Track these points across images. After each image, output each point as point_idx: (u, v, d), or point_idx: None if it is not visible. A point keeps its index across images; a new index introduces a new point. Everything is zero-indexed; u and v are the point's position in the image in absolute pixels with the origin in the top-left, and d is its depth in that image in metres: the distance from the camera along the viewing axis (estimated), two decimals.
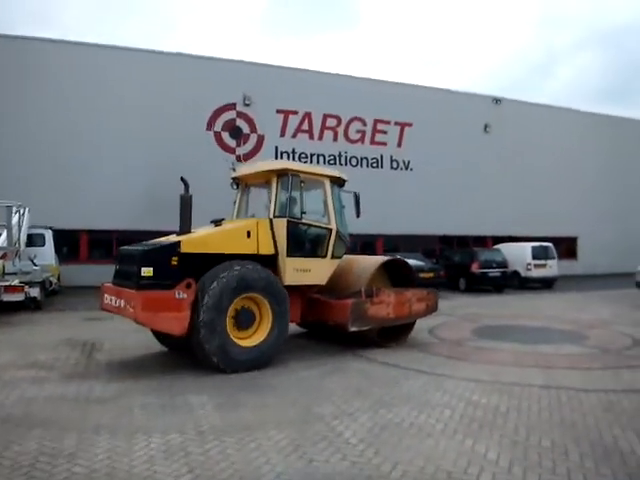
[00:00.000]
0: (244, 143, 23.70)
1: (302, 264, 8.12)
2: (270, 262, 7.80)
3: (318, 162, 25.01)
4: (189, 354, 7.47)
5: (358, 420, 5.11)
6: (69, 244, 21.44)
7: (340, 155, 25.65)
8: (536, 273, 20.97)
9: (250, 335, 7.37)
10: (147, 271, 6.77)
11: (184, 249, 7.07)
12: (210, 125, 23.15)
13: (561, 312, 13.56)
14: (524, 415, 5.27)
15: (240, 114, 23.69)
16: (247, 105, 23.64)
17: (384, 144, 26.68)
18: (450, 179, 27.39)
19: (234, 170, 9.45)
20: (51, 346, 8.75)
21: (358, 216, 9.05)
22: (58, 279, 17.58)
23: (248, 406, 5.56)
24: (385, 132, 26.74)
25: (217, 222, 8.23)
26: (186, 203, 7.98)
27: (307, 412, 5.38)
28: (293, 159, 24.44)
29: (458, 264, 20.89)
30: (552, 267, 21.32)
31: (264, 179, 8.79)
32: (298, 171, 8.36)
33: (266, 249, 7.84)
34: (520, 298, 17.51)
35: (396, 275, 9.56)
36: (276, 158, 23.98)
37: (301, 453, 4.31)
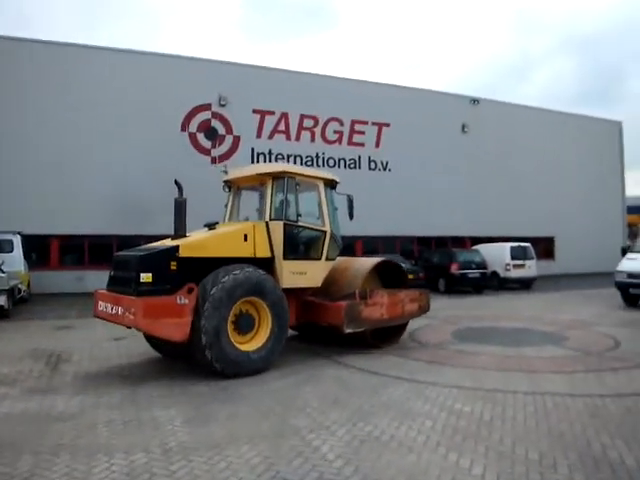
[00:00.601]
0: (219, 144, 23.27)
1: (298, 267, 8.13)
2: (266, 265, 7.74)
3: (295, 163, 24.70)
4: (183, 361, 7.52)
5: (336, 433, 4.83)
6: (39, 250, 20.79)
7: (317, 156, 25.37)
8: (515, 273, 20.91)
9: (250, 339, 7.31)
10: (146, 276, 6.64)
11: (183, 253, 6.98)
12: (185, 126, 22.68)
13: (541, 313, 13.46)
14: (509, 424, 5.04)
15: (215, 115, 23.26)
16: (223, 105, 23.22)
17: (362, 145, 26.48)
18: (428, 180, 27.32)
19: (226, 173, 9.33)
20: (15, 358, 8.33)
21: (351, 218, 9.07)
22: (27, 286, 17.02)
23: (219, 420, 5.24)
24: (363, 132, 26.54)
25: (211, 225, 8.17)
26: (180, 207, 7.99)
27: (282, 425, 5.08)
28: (269, 160, 24.11)
29: (437, 265, 20.75)
30: (531, 267, 21.27)
31: (258, 182, 8.75)
32: (294, 173, 8.34)
33: (263, 252, 7.83)
34: (500, 299, 17.42)
35: (387, 276, 9.58)
36: (252, 160, 23.66)
37: (275, 472, 4.02)
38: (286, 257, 7.93)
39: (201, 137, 23.02)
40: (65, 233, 20.86)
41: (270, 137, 24.36)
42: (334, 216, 8.89)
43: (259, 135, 24.14)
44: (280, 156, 24.44)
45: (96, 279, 20.67)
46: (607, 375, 6.92)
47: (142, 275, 6.62)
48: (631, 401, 5.74)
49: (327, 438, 4.70)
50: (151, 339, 8.06)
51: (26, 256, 17.19)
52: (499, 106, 30.86)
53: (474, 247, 23.03)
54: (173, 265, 6.85)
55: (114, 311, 6.87)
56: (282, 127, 24.66)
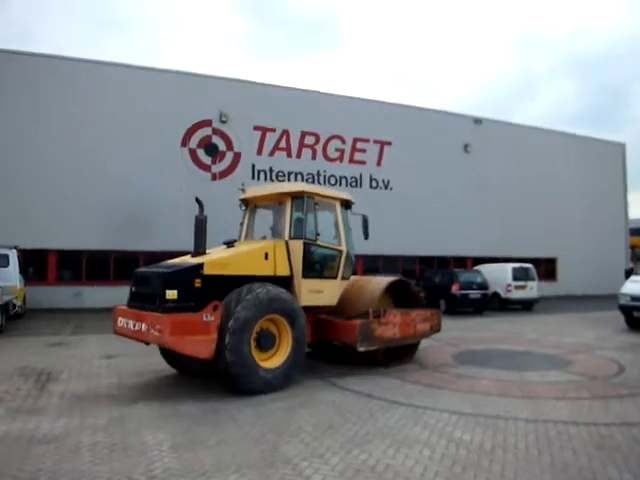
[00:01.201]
0: (220, 161, 23.23)
1: (315, 285, 8.26)
2: (285, 283, 7.85)
3: (296, 181, 24.62)
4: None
5: (329, 462, 4.60)
6: (36, 265, 20.66)
7: (319, 174, 25.31)
8: (516, 295, 20.66)
9: (270, 357, 7.34)
10: (172, 294, 6.68)
11: (207, 271, 7.03)
12: (185, 142, 22.66)
13: (543, 335, 13.22)
14: (511, 454, 4.81)
15: (216, 131, 23.26)
16: (223, 122, 23.22)
17: (363, 163, 26.44)
18: (430, 199, 27.22)
19: (243, 191, 9.43)
20: (4, 375, 8.12)
21: (366, 238, 9.23)
22: (23, 302, 16.83)
23: (207, 445, 5.02)
24: (364, 151, 26.51)
25: (229, 243, 8.33)
26: (201, 224, 7.99)
27: (273, 452, 4.85)
28: (270, 178, 24.05)
29: (438, 285, 20.53)
30: (532, 289, 21.04)
31: (277, 201, 8.82)
32: (313, 193, 8.50)
33: (282, 270, 7.93)
34: (501, 320, 17.17)
35: (399, 296, 9.74)
36: (253, 177, 23.59)
37: None
38: (305, 275, 8.05)
39: (201, 153, 22.99)
40: (63, 248, 20.75)
41: (271, 154, 24.32)
42: (348, 235, 9.00)
43: (260, 152, 24.10)
44: (281, 173, 24.38)
45: (93, 295, 20.62)
46: (613, 402, 6.68)
47: (168, 292, 6.66)
48: (638, 430, 5.51)
49: (320, 467, 4.48)
50: (168, 356, 8.08)
51: (22, 271, 17.03)
52: (502, 126, 30.87)
53: (476, 267, 22.85)
54: (198, 282, 6.91)
55: (137, 328, 6.87)
56: (283, 144, 24.63)
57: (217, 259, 7.40)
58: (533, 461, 4.65)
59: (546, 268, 30.40)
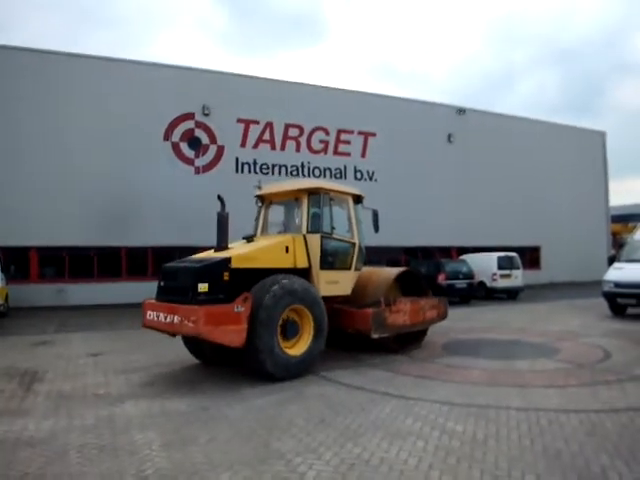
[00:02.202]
0: (203, 154, 23.01)
1: (332, 276, 8.72)
2: (304, 275, 8.26)
3: (280, 173, 24.51)
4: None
5: (323, 457, 4.56)
6: (18, 262, 20.33)
7: (303, 165, 25.18)
8: (502, 283, 20.80)
9: (294, 344, 7.76)
10: (203, 286, 7.08)
11: (234, 264, 7.43)
12: (167, 135, 22.38)
13: (529, 324, 13.32)
14: (504, 444, 4.81)
15: (199, 124, 23.00)
16: (206, 115, 22.97)
17: (348, 154, 26.36)
18: (415, 190, 27.25)
19: (259, 188, 9.74)
20: None
21: (377, 231, 9.71)
22: (5, 300, 16.57)
23: (199, 443, 4.95)
24: (348, 142, 26.43)
25: (248, 238, 8.80)
26: (223, 220, 8.34)
27: (265, 448, 4.80)
28: (254, 170, 23.89)
29: (424, 275, 20.53)
30: (517, 277, 21.19)
31: (293, 197, 9.26)
32: (328, 189, 8.94)
33: (302, 263, 8.37)
34: (487, 309, 17.27)
35: (407, 284, 10.21)
36: (236, 170, 23.43)
37: None
38: (322, 267, 8.50)
39: (184, 147, 22.74)
40: (44, 245, 20.41)
41: (255, 146, 24.13)
42: (360, 229, 9.48)
43: (243, 144, 23.90)
44: (265, 166, 24.23)
45: (77, 292, 20.36)
46: (601, 389, 6.73)
47: (199, 285, 7.06)
48: (627, 417, 5.55)
49: (314, 462, 4.43)
50: (191, 346, 8.48)
51: (4, 269, 16.75)
52: (485, 116, 30.94)
53: (461, 257, 22.94)
54: (226, 275, 7.30)
55: (169, 320, 7.18)
56: (267, 136, 24.44)
57: (243, 253, 7.78)
58: (526, 450, 4.65)
59: (530, 256, 30.64)
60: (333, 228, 8.76)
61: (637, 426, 5.26)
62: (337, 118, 25.91)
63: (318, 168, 25.58)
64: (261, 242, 8.57)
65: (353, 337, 9.32)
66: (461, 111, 29.82)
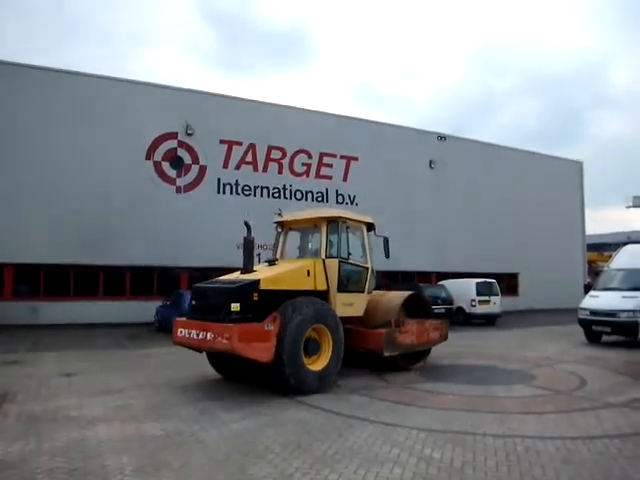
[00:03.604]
0: (185, 174, 22.97)
1: (347, 299, 9.33)
2: (323, 297, 8.83)
3: (262, 195, 24.53)
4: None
5: None
6: None
7: (285, 188, 25.27)
8: (480, 309, 20.92)
9: (314, 361, 8.30)
10: (235, 306, 7.63)
11: (263, 286, 7.99)
12: (150, 154, 22.31)
13: (507, 350, 13.39)
14: (481, 471, 4.79)
15: (182, 144, 23.01)
16: (189, 134, 23.00)
17: (329, 178, 26.52)
18: (395, 214, 27.39)
19: (280, 215, 10.36)
20: None
21: (387, 257, 10.45)
22: None
23: (172, 468, 4.84)
24: (331, 166, 26.61)
25: (271, 262, 9.39)
26: (249, 245, 8.94)
27: (240, 474, 4.72)
28: (236, 192, 23.90)
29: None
30: (496, 303, 21.35)
31: (312, 224, 9.92)
32: (346, 218, 9.70)
33: (321, 285, 8.97)
34: (465, 335, 17.29)
35: (412, 307, 10.74)
36: (218, 191, 23.41)
37: None
38: (339, 290, 9.12)
39: (166, 166, 22.69)
40: (19, 262, 20.06)
41: (237, 168, 24.19)
42: (372, 254, 10.17)
43: (226, 165, 23.93)
44: (247, 187, 24.24)
45: (52, 310, 19.98)
46: (577, 416, 6.77)
47: (232, 305, 7.61)
48: (602, 444, 5.58)
49: None
50: (216, 362, 9.06)
51: None
52: (465, 143, 31.47)
53: (440, 282, 23.05)
54: (255, 296, 7.85)
55: (201, 336, 7.78)
56: (249, 158, 24.52)
57: (271, 276, 8.33)
58: (503, 478, 4.64)
59: (508, 283, 30.93)
60: (349, 254, 9.46)
61: (612, 453, 5.29)
62: (320, 141, 26.12)
63: (300, 191, 25.68)
64: (284, 266, 9.15)
65: (361, 355, 9.82)
66: (442, 138, 30.28)
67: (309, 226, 10.12)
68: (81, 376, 9.51)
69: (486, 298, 21.07)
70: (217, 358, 8.94)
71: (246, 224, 9.09)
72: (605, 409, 7.15)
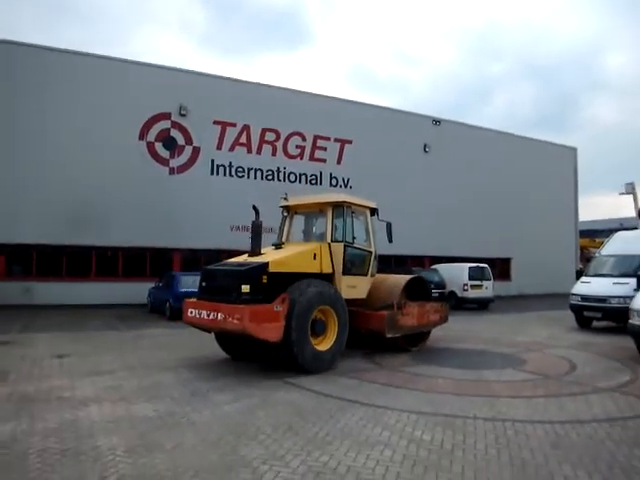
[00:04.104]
0: (178, 155, 22.80)
1: (352, 281, 9.64)
2: (328, 280, 9.12)
3: (255, 177, 24.42)
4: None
5: (290, 464, 4.52)
6: None
7: (279, 170, 25.16)
8: (472, 294, 21.02)
9: (321, 341, 8.58)
10: (246, 288, 7.91)
11: (272, 269, 8.24)
12: (143, 134, 22.11)
13: (498, 334, 13.48)
14: (470, 454, 4.84)
15: (175, 124, 22.82)
16: (183, 115, 22.80)
17: (323, 161, 26.41)
18: (389, 198, 27.27)
19: (286, 200, 10.50)
20: None
21: (390, 241, 10.52)
22: None
23: (164, 449, 4.86)
24: (325, 149, 26.49)
25: (277, 245, 9.63)
26: (257, 228, 9.13)
27: (232, 455, 4.74)
28: (230, 173, 23.77)
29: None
30: (488, 288, 21.44)
31: (317, 209, 10.22)
32: (350, 203, 9.85)
33: (327, 268, 9.24)
34: (457, 320, 17.32)
35: (412, 290, 10.97)
36: (212, 172, 23.29)
37: None
38: (344, 273, 9.41)
39: (159, 147, 22.51)
40: (12, 242, 19.94)
41: (231, 149, 24.03)
42: (375, 238, 10.42)
43: (219, 147, 23.77)
44: (240, 169, 24.11)
45: (45, 291, 19.91)
46: (566, 400, 6.83)
47: (243, 286, 7.89)
48: (591, 428, 5.64)
49: (280, 470, 4.39)
50: (224, 342, 9.30)
51: None
52: (460, 127, 31.36)
53: (433, 267, 23.11)
54: (264, 278, 8.09)
55: (212, 317, 8.04)
56: (243, 139, 24.36)
57: (279, 259, 8.57)
58: (492, 461, 4.69)
59: (501, 268, 31.08)
60: (354, 238, 9.71)
61: (600, 438, 5.34)
62: (314, 124, 25.96)
63: (294, 173, 25.58)
64: (291, 249, 9.39)
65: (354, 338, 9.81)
66: (437, 122, 30.17)
67: (314, 210, 10.41)
68: (73, 357, 9.50)
69: (478, 283, 21.15)
70: (225, 338, 9.22)
71: (254, 208, 9.27)
72: (594, 394, 7.22)
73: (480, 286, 21.16)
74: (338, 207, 9.67)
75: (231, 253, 22.06)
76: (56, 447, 4.89)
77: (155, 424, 5.61)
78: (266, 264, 8.24)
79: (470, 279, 20.97)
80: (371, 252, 10.22)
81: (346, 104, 27.58)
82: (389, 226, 10.60)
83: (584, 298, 14.74)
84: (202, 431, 5.40)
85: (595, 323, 14.95)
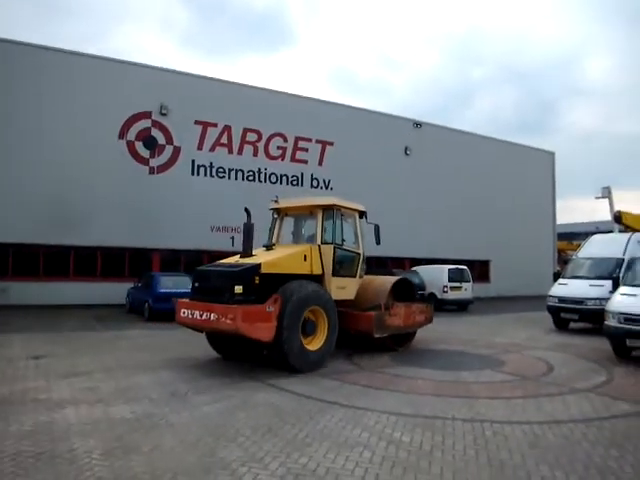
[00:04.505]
0: (159, 154, 22.59)
1: (341, 282, 9.84)
2: (318, 280, 9.32)
3: (236, 178, 24.30)
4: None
5: (269, 467, 4.49)
6: None
7: (260, 171, 25.07)
8: (452, 295, 21.15)
9: (311, 341, 8.76)
10: (238, 288, 8.06)
11: (264, 270, 8.40)
12: (123, 133, 21.87)
13: (477, 336, 13.58)
14: (449, 455, 4.86)
15: (156, 123, 22.59)
16: (164, 114, 22.59)
17: (305, 162, 26.38)
18: (370, 200, 27.26)
19: (277, 202, 10.59)
20: None
21: (378, 243, 10.96)
22: None
23: (141, 452, 4.80)
24: (306, 150, 26.47)
25: (268, 247, 9.77)
26: (249, 230, 9.25)
27: (210, 457, 4.70)
28: (210, 174, 23.63)
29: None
30: (467, 290, 21.61)
31: (308, 211, 10.36)
32: (340, 206, 10.07)
33: (317, 270, 9.43)
34: (437, 321, 17.23)
35: (398, 291, 11.18)
36: (192, 172, 23.14)
37: None
38: (333, 274, 9.60)
39: (140, 146, 22.26)
40: None
41: (212, 149, 23.87)
42: (364, 240, 10.71)
43: (200, 147, 23.60)
44: (221, 170, 23.98)
45: (21, 291, 19.56)
46: (544, 401, 6.91)
47: (235, 287, 8.04)
48: (568, 429, 5.70)
49: (259, 472, 4.37)
50: (215, 342, 9.43)
51: None
52: (441, 131, 31.59)
53: (413, 268, 23.22)
54: (257, 279, 8.26)
55: (205, 317, 8.17)
56: (224, 140, 24.22)
57: (271, 260, 8.72)
58: (471, 461, 4.72)
59: (480, 270, 31.33)
60: (343, 240, 9.96)
61: (577, 438, 5.41)
62: (296, 125, 25.93)
63: (275, 174, 25.50)
64: (282, 250, 9.56)
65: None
66: (418, 125, 30.35)
67: (305, 213, 10.58)
68: (50, 358, 9.35)
69: (458, 284, 21.30)
70: (216, 338, 9.35)
71: (246, 210, 9.37)
72: (571, 394, 7.31)
73: (459, 288, 21.32)
74: (328, 210, 9.88)
75: (211, 254, 22.08)
76: (31, 450, 4.79)
77: (133, 426, 5.54)
78: (258, 265, 8.38)
79: (450, 281, 21.09)
80: (359, 254, 10.46)
81: (328, 106, 27.60)
82: (377, 228, 10.90)
83: (561, 300, 14.93)
84: (180, 433, 5.35)
85: (572, 324, 15.15)
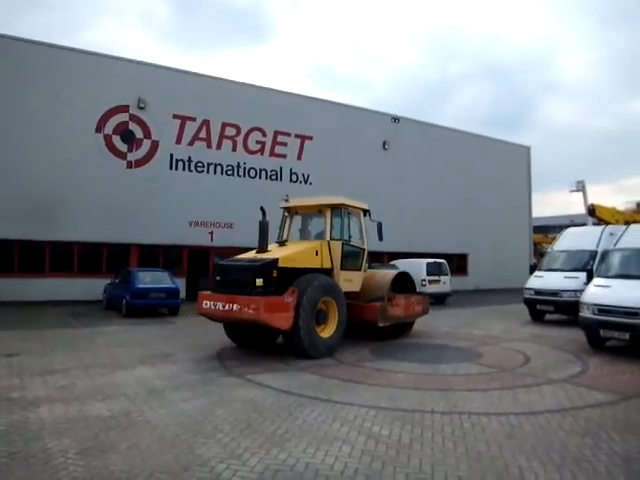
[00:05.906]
0: (136, 148, 22.28)
1: (348, 276, 10.72)
2: (328, 274, 10.14)
3: (215, 172, 24.11)
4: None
5: (247, 463, 4.47)
6: None
7: (239, 166, 24.88)
8: (430, 289, 21.21)
9: (323, 329, 9.61)
10: (259, 281, 8.73)
11: (281, 264, 9.12)
12: (100, 127, 21.52)
13: (456, 328, 13.71)
14: (428, 447, 4.90)
15: (133, 117, 22.26)
16: (142, 108, 22.27)
17: (284, 156, 26.28)
18: (349, 194, 27.33)
19: (287, 201, 11.38)
20: None
21: (381, 240, 11.59)
22: None
23: (118, 450, 4.73)
24: (285, 144, 26.35)
25: (281, 243, 10.52)
26: (264, 227, 9.79)
27: (188, 455, 4.66)
28: (189, 168, 23.39)
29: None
30: (445, 283, 21.78)
31: (316, 210, 11.15)
32: (347, 205, 10.98)
33: (327, 264, 10.27)
34: None
35: (397, 283, 11.94)
36: (170, 167, 22.89)
37: None
38: (342, 268, 10.47)
39: (117, 140, 21.92)
40: None
41: (190, 144, 23.61)
42: (368, 237, 11.55)
43: (179, 141, 23.34)
44: (200, 164, 23.75)
45: None
46: (520, 392, 7.00)
47: (257, 280, 8.72)
48: (544, 419, 5.78)
49: (238, 469, 4.34)
50: (231, 331, 10.06)
51: None
52: (418, 125, 31.69)
53: (392, 262, 23.30)
54: (275, 273, 8.96)
55: (227, 308, 8.82)
56: (203, 134, 23.98)
57: (287, 255, 9.44)
58: (449, 453, 4.75)
59: (458, 263, 31.57)
60: (350, 236, 10.86)
61: (553, 428, 5.49)
62: (275, 120, 25.79)
63: (254, 169, 25.35)
64: (294, 246, 10.31)
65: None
66: (396, 119, 30.42)
67: (313, 211, 11.32)
68: (24, 356, 9.19)
69: (436, 278, 21.44)
70: (233, 328, 9.99)
71: (261, 209, 9.85)
72: (547, 385, 7.43)
73: (438, 281, 21.46)
74: (336, 208, 10.71)
75: (192, 248, 21.87)
76: (4, 450, 4.71)
77: (109, 424, 5.47)
78: (276, 260, 9.07)
79: (428, 274, 21.20)
80: (364, 249, 11.36)
81: (307, 100, 27.50)
82: (380, 225, 11.55)
83: (537, 292, 15.15)
84: (158, 430, 5.30)
85: (548, 316, 15.39)
